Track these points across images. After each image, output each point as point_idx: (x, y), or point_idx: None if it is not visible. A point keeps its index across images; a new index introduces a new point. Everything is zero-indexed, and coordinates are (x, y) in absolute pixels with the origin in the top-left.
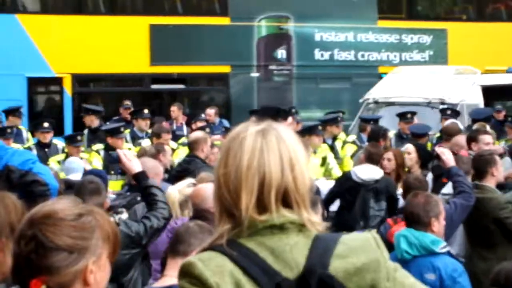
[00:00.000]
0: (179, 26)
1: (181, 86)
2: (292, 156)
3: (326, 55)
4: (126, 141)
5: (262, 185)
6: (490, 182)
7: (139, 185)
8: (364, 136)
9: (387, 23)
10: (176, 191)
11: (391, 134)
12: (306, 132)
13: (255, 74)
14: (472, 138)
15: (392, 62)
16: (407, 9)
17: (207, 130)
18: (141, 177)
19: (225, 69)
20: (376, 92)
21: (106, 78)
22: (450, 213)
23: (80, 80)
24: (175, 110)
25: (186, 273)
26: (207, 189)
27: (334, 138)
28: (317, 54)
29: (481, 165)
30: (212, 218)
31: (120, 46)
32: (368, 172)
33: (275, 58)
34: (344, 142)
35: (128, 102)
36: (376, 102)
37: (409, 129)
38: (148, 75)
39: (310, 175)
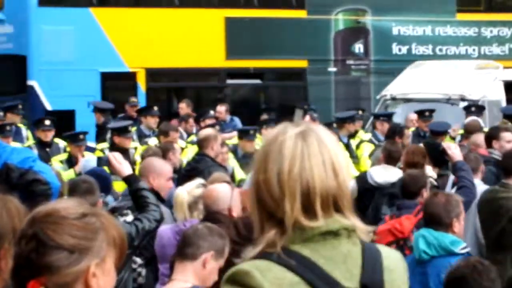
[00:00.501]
0: (254, 19)
1: (258, 81)
2: (335, 161)
3: (404, 49)
4: (133, 140)
5: (306, 192)
6: None
7: (129, 188)
8: (379, 134)
9: (466, 16)
10: (185, 192)
11: (409, 131)
12: None
13: (332, 69)
14: (493, 136)
15: (471, 56)
16: (487, 1)
17: (217, 128)
18: (131, 179)
19: (302, 63)
20: (394, 88)
21: (180, 72)
22: None
23: (154, 74)
24: (183, 107)
25: (239, 282)
26: (220, 190)
27: (350, 136)
28: (395, 48)
29: (511, 164)
30: (224, 220)
31: (194, 40)
32: (384, 175)
33: (352, 53)
34: (361, 141)
35: (134, 99)
36: (393, 99)
37: (428, 126)
38: (224, 69)
39: (350, 178)
